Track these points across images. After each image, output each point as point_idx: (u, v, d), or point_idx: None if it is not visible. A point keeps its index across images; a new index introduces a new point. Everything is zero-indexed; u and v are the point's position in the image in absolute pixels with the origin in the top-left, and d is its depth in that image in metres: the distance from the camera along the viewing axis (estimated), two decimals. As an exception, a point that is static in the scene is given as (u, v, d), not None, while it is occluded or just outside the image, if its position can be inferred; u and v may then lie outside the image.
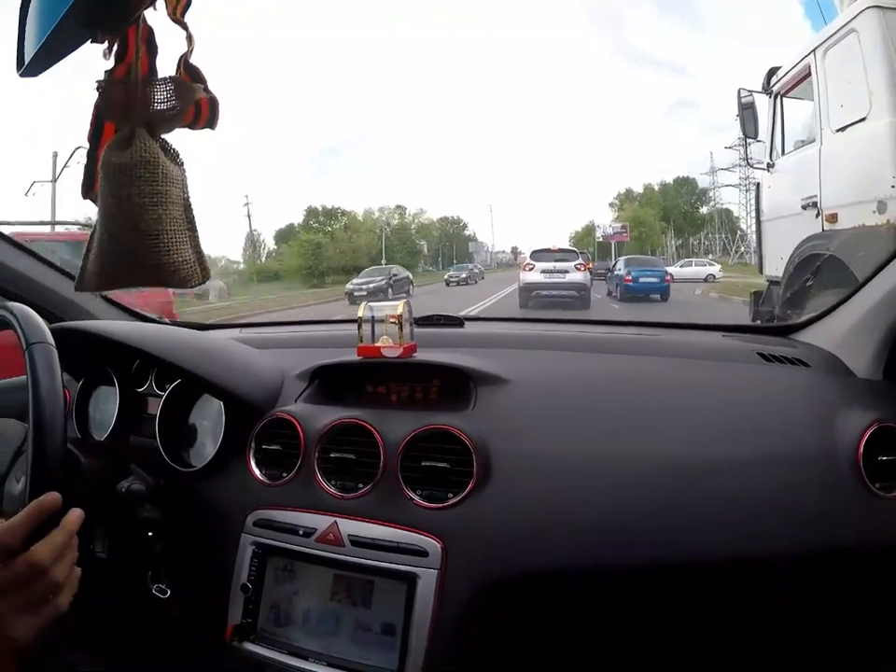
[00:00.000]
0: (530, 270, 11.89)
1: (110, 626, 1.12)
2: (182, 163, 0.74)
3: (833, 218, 3.38)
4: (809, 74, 3.70)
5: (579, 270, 11.75)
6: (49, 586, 0.67)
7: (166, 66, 0.73)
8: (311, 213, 47.20)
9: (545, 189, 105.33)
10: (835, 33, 3.38)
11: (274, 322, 2.02)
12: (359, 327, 1.11)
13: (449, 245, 53.61)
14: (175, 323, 1.64)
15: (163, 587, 1.04)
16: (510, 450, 0.96)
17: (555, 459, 0.94)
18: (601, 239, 40.89)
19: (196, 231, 0.75)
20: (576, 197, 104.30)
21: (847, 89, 3.27)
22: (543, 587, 0.91)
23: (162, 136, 0.73)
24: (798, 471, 0.91)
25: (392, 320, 1.10)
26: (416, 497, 0.94)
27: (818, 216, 3.50)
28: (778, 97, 4.26)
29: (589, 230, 50.90)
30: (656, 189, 52.05)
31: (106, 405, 1.26)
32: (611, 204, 52.66)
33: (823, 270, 3.19)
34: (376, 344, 1.11)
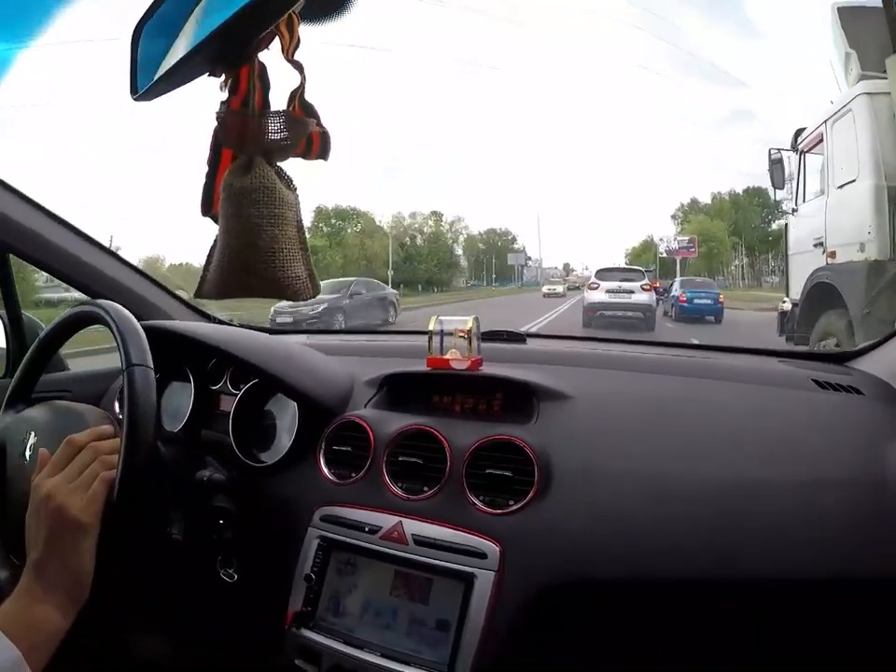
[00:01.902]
0: (595, 289, 11.81)
1: (178, 604, 1.21)
2: (295, 189, 0.81)
3: (832, 255, 4.39)
4: (822, 139, 4.66)
5: (644, 290, 11.65)
6: (95, 464, 0.81)
7: (278, 100, 0.81)
8: (320, 214, 42.17)
9: (598, 204, 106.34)
10: (839, 109, 4.28)
11: (342, 330, 2.09)
12: (430, 339, 1.17)
13: (497, 260, 49.71)
14: (247, 326, 1.69)
15: (231, 572, 1.10)
16: (569, 463, 0.99)
17: (614, 474, 0.98)
18: (664, 254, 37.47)
19: (308, 250, 0.82)
20: (632, 211, 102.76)
21: (845, 155, 4.16)
22: (594, 596, 0.95)
23: (278, 164, 0.81)
24: (849, 498, 0.92)
25: (461, 334, 1.15)
26: (479, 502, 0.98)
27: (823, 252, 4.52)
28: (802, 154, 5.25)
29: (647, 245, 47.76)
30: (726, 199, 46.47)
31: (180, 399, 1.32)
32: (674, 216, 48.45)
33: (823, 294, 4.27)
34: (445, 357, 1.16)
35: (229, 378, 1.31)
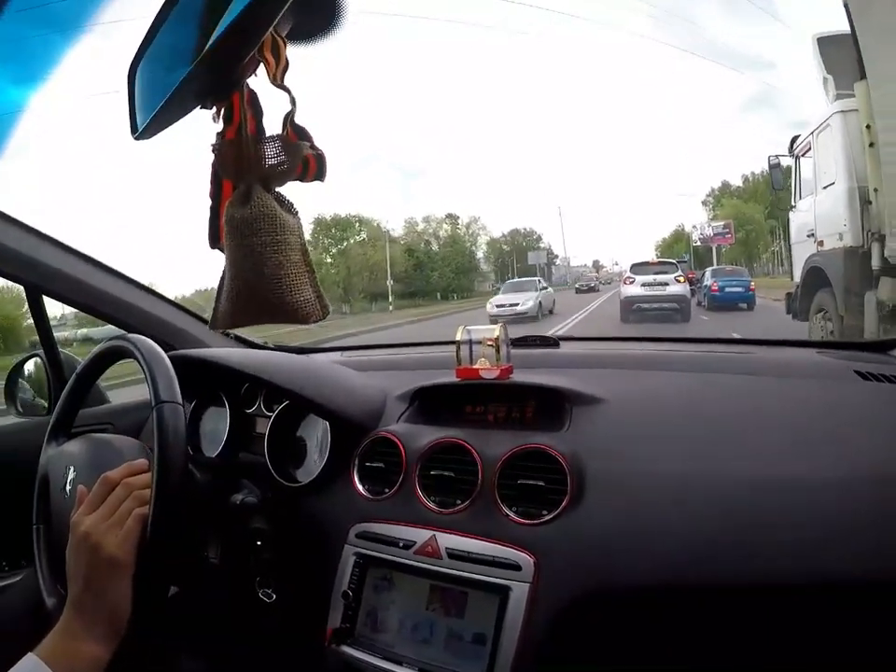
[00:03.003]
0: (630, 283, 12.28)
1: (218, 626, 1.22)
2: (297, 213, 0.82)
3: (821, 244, 5.53)
4: (811, 147, 5.71)
5: (678, 282, 12.10)
6: (128, 500, 0.83)
7: (271, 126, 0.81)
8: (320, 225, 38.73)
9: (624, 197, 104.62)
10: (821, 123, 5.35)
11: (373, 345, 2.10)
12: (458, 349, 1.16)
13: (520, 263, 46.63)
14: (278, 348, 1.72)
15: (269, 592, 1.10)
16: (603, 469, 0.97)
17: (649, 479, 0.96)
18: (697, 243, 35.24)
19: (314, 272, 0.83)
20: (659, 201, 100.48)
21: (828, 160, 5.23)
22: (632, 604, 0.93)
23: (277, 190, 0.81)
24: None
25: (489, 343, 1.15)
26: (511, 514, 0.97)
27: (815, 242, 5.64)
28: (797, 158, 6.28)
29: (678, 235, 45.86)
30: (760, 180, 42.56)
31: (217, 424, 1.35)
32: (704, 202, 45.69)
33: (816, 276, 5.49)
34: (474, 366, 1.15)
35: (262, 400, 1.32)
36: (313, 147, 0.81)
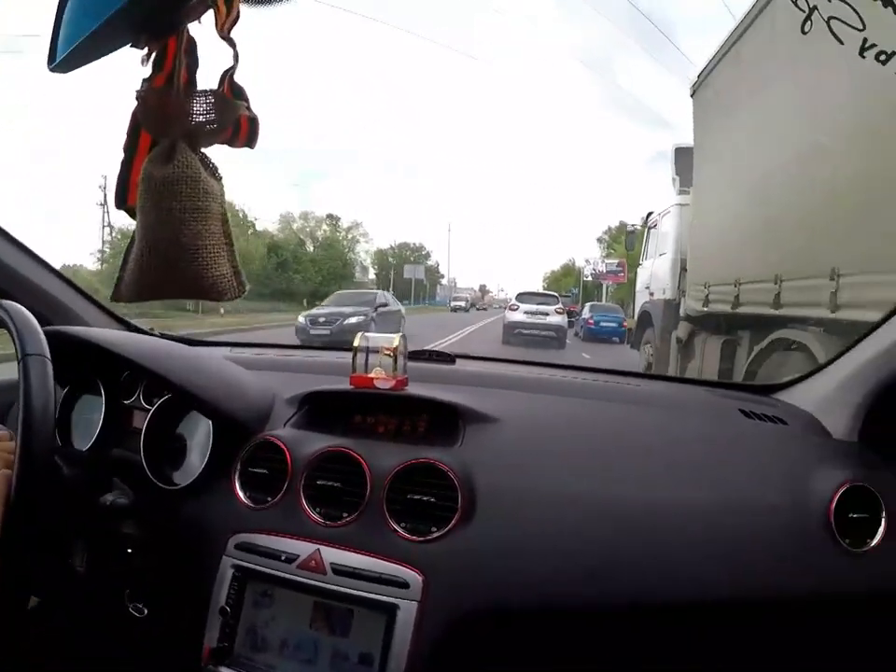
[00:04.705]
0: (515, 310, 13.22)
1: (85, 643, 1.09)
2: (221, 178, 0.75)
3: (652, 294, 7.07)
4: (657, 224, 7.23)
5: (558, 313, 13.16)
6: None
7: (206, 81, 0.74)
8: None
9: (518, 227, 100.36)
10: (667, 209, 6.77)
11: (266, 343, 1.92)
12: (354, 356, 1.12)
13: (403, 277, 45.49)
14: (165, 336, 1.53)
15: (140, 606, 1.01)
16: (494, 487, 0.96)
17: (538, 499, 0.95)
18: (589, 278, 34.85)
19: (233, 245, 0.76)
20: (553, 234, 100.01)
21: (666, 236, 6.64)
22: (521, 622, 0.92)
23: (202, 150, 0.74)
24: (771, 522, 0.93)
25: (387, 352, 1.11)
26: (400, 529, 0.93)
27: (649, 293, 7.21)
28: (648, 229, 7.77)
29: (568, 270, 46.41)
30: None
31: (91, 415, 1.20)
32: (600, 240, 45.43)
33: (646, 317, 7.28)
34: (369, 375, 1.11)
35: (142, 392, 1.19)
36: (248, 108, 0.74)
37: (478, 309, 40.66)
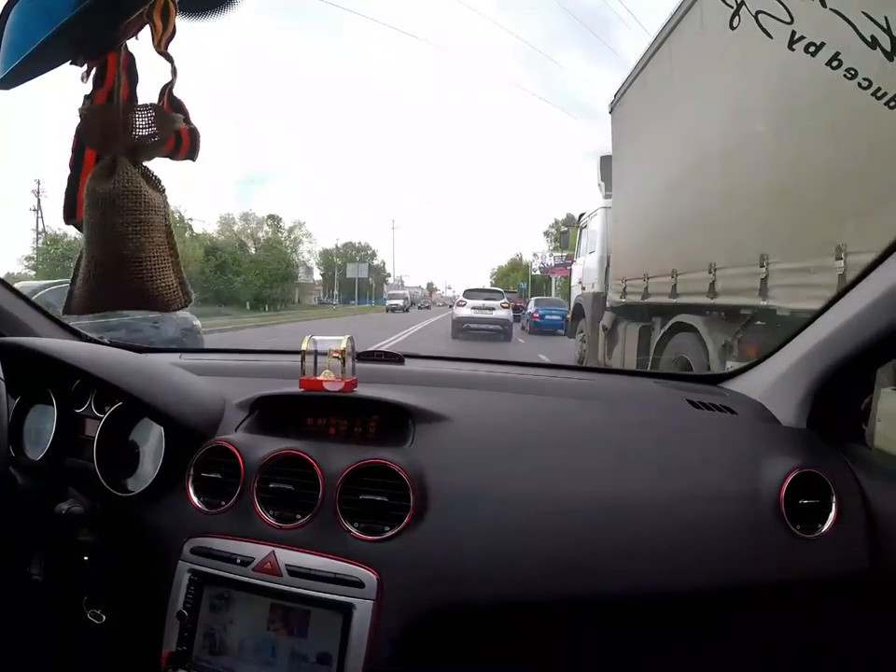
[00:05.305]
0: (462, 306, 13.86)
1: (43, 651, 1.07)
2: (164, 189, 0.76)
3: (583, 289, 7.79)
4: (587, 225, 7.87)
5: (504, 308, 13.86)
6: None
7: (145, 95, 0.75)
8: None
9: (464, 223, 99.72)
10: (594, 211, 7.42)
11: (216, 349, 1.86)
12: (302, 359, 1.12)
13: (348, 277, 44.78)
14: (114, 344, 1.47)
15: (98, 612, 1.01)
16: (446, 485, 0.97)
17: (491, 495, 0.96)
18: (537, 271, 34.26)
19: (178, 255, 0.77)
20: (499, 230, 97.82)
21: (594, 236, 7.28)
22: (475, 618, 0.93)
23: (144, 164, 0.75)
24: (723, 511, 0.94)
25: (335, 355, 1.11)
26: (354, 530, 0.94)
27: (581, 287, 7.93)
28: (580, 229, 8.45)
29: (515, 265, 46.02)
30: None
31: (43, 424, 1.19)
32: (547, 233, 43.50)
33: (579, 309, 8.06)
34: (318, 378, 1.12)
35: (93, 401, 1.18)
36: (187, 120, 0.76)
37: (420, 308, 38.30)
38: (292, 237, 40.94)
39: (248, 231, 38.46)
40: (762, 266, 3.28)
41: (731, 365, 3.42)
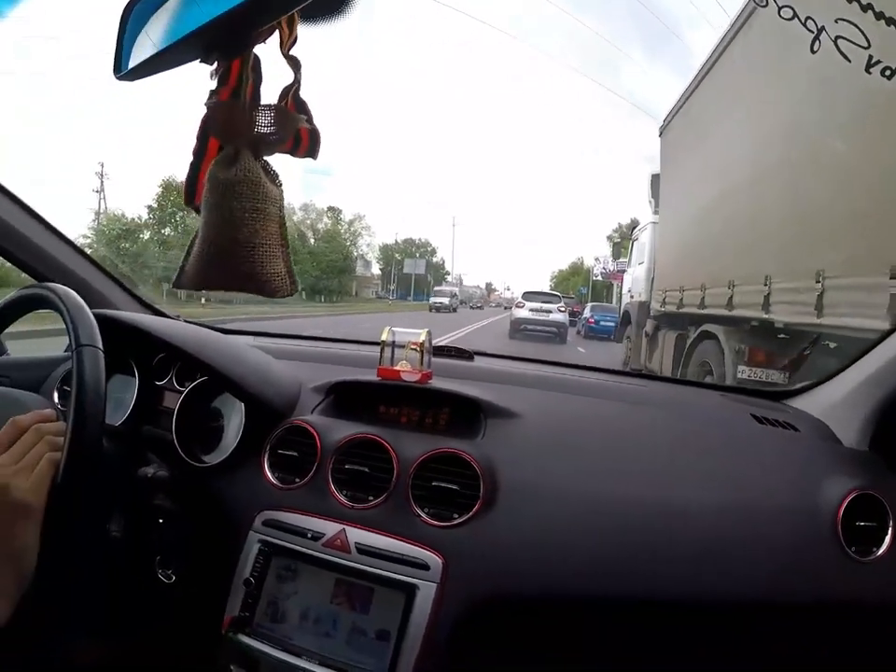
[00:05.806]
0: (521, 307, 14.65)
1: (115, 604, 1.11)
2: (281, 184, 0.81)
3: (631, 297, 8.39)
4: (638, 238, 8.45)
5: (560, 311, 14.66)
6: (40, 445, 0.77)
7: (269, 95, 0.80)
8: (168, 188, 26.90)
9: (527, 225, 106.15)
10: (644, 225, 8.03)
11: (291, 334, 1.93)
12: (382, 349, 1.17)
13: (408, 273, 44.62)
14: (194, 324, 1.55)
15: (169, 573, 1.05)
16: (515, 479, 1.00)
17: (556, 492, 0.99)
18: (599, 277, 33.47)
19: (288, 247, 0.82)
20: (561, 233, 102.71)
21: (643, 249, 7.88)
22: (533, 610, 0.95)
23: (265, 158, 0.80)
24: (777, 525, 0.96)
25: (413, 347, 1.16)
26: (423, 514, 0.97)
27: (631, 296, 8.50)
28: (632, 242, 9.00)
29: (576, 269, 46.15)
30: None
31: (122, 393, 1.25)
32: (609, 237, 42.73)
33: (627, 316, 8.56)
34: (396, 368, 1.16)
35: (175, 374, 1.25)
36: (309, 121, 0.81)
37: (472, 308, 37.02)
38: (352, 230, 41.74)
39: (308, 221, 39.13)
40: (765, 285, 4.01)
41: (743, 369, 4.17)
